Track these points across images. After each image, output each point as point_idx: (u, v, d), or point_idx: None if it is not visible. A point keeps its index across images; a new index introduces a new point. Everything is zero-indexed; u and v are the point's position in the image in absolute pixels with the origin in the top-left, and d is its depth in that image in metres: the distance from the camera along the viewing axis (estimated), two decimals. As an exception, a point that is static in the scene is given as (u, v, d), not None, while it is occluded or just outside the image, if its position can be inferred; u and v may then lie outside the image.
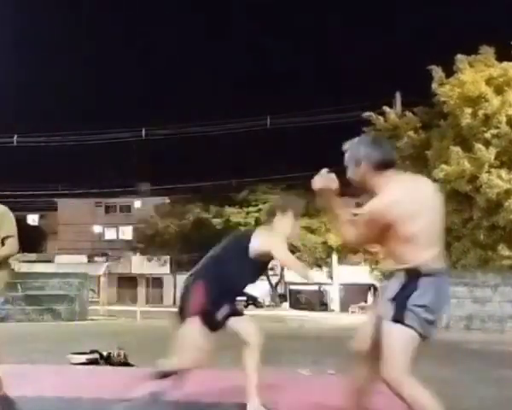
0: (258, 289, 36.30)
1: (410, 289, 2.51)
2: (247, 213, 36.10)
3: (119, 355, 6.36)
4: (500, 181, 16.12)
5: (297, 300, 37.88)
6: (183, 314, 3.49)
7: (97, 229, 46.00)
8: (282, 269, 34.40)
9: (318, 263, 37.37)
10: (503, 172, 16.29)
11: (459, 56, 18.14)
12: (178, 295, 3.90)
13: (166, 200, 40.92)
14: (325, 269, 38.41)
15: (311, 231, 34.87)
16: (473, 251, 17.47)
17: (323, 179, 2.64)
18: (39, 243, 46.70)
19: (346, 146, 2.74)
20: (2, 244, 3.82)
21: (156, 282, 43.58)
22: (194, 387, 4.67)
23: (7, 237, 3.83)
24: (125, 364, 6.31)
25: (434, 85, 18.05)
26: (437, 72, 18.15)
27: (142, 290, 43.52)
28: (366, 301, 39.25)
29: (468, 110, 17.02)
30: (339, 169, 2.67)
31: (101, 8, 79.81)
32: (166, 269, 40.76)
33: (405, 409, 2.49)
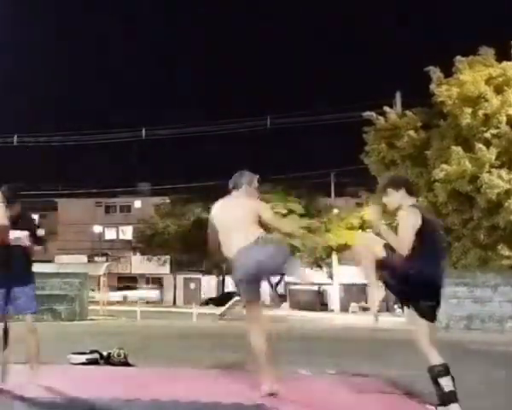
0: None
1: None
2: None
3: (119, 355, 6.36)
4: (500, 181, 16.10)
5: (297, 300, 37.76)
6: None
7: (97, 229, 45.90)
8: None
9: (318, 263, 37.31)
10: (504, 173, 16.27)
11: (458, 58, 18.12)
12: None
13: (166, 200, 40.86)
14: (325, 269, 38.35)
15: (311, 231, 34.77)
16: (473, 251, 17.46)
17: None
18: (39, 243, 46.56)
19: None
20: None
21: (156, 282, 43.55)
22: (194, 387, 4.67)
23: None
24: (125, 364, 6.31)
25: (433, 86, 18.04)
26: (435, 72, 18.13)
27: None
28: (366, 301, 39.17)
29: (468, 110, 17.00)
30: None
31: (101, 8, 79.84)
32: (166, 269, 40.72)
33: None
